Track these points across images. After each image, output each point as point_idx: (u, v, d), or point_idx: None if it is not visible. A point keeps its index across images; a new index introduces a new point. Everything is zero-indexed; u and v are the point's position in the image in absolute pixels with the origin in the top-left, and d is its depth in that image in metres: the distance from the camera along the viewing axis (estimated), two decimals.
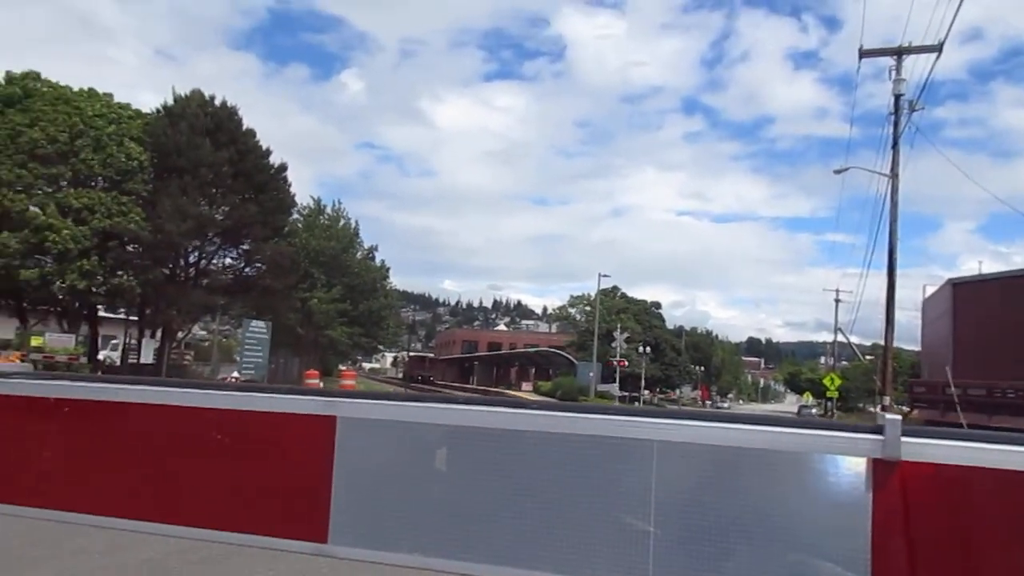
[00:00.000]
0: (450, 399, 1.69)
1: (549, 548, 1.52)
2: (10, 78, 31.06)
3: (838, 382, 50.39)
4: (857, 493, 1.38)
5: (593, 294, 76.78)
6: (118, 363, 37.70)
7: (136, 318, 37.22)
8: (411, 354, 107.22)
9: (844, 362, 73.10)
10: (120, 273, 31.04)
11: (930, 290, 40.85)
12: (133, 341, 38.19)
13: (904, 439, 1.36)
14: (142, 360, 35.89)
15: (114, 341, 41.34)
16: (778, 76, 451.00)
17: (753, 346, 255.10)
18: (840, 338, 64.04)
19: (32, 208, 28.61)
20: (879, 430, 1.37)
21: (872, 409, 55.75)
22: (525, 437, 1.57)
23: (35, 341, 29.56)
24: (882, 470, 1.37)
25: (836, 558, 1.36)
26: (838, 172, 31.74)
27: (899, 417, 1.35)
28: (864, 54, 27.85)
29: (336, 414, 1.67)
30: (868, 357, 60.77)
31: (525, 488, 1.55)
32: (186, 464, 1.78)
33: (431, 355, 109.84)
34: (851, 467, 1.39)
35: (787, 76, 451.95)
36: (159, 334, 36.70)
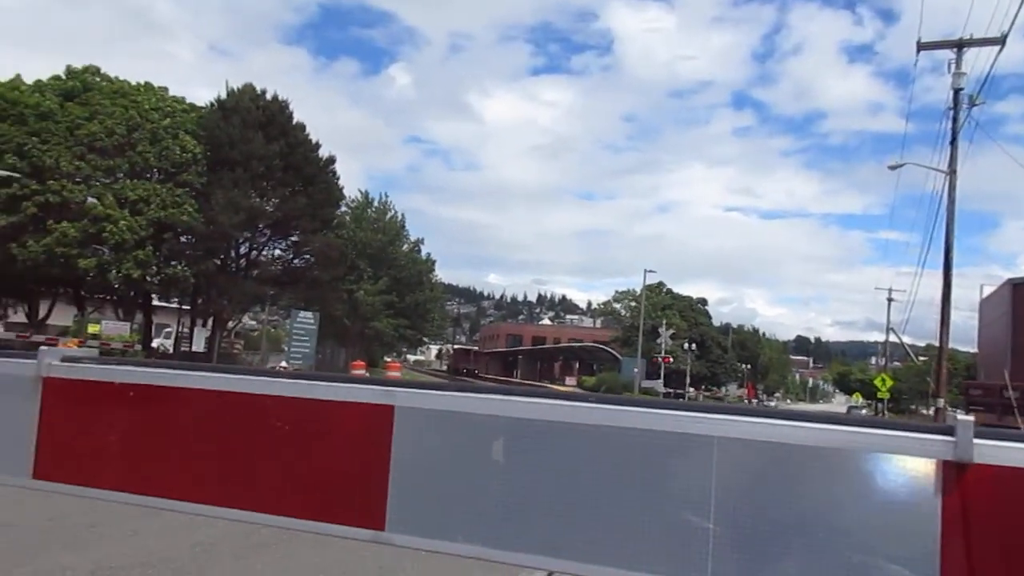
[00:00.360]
0: (508, 391, 1.69)
1: (605, 541, 1.51)
2: (70, 72, 31.94)
3: (890, 383, 49.29)
4: (926, 496, 1.34)
5: (638, 290, 76.26)
6: (171, 351, 38.59)
7: (188, 307, 38.04)
8: (456, 347, 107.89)
9: (896, 363, 71.49)
10: (174, 263, 31.76)
11: (988, 290, 39.72)
12: (185, 330, 39.07)
13: (976, 441, 1.32)
14: (194, 348, 36.69)
15: (167, 329, 42.32)
16: (831, 70, 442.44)
17: (801, 345, 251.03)
18: (892, 338, 62.67)
19: (90, 199, 29.41)
20: (950, 431, 1.33)
21: (925, 411, 54.47)
22: (582, 430, 1.56)
23: (92, 328, 30.43)
24: (952, 473, 1.33)
25: (903, 561, 1.32)
26: (893, 168, 31.05)
27: (972, 418, 1.31)
28: (922, 47, 27.14)
29: (394, 404, 1.68)
30: (921, 358, 59.37)
31: (582, 481, 1.54)
32: (246, 450, 1.81)
33: (476, 348, 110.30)
34: (920, 469, 1.35)
35: (841, 70, 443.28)
36: (210, 323, 37.46)
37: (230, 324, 40.68)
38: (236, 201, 31.59)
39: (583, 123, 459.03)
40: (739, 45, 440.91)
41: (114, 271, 29.66)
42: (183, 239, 32.56)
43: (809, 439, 1.38)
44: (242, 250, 36.58)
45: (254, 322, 53.96)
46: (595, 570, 1.48)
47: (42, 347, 2.02)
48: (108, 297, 35.99)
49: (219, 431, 1.82)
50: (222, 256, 35.29)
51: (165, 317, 41.92)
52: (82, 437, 1.99)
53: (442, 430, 1.61)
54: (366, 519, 1.63)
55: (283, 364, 36.60)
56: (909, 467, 1.35)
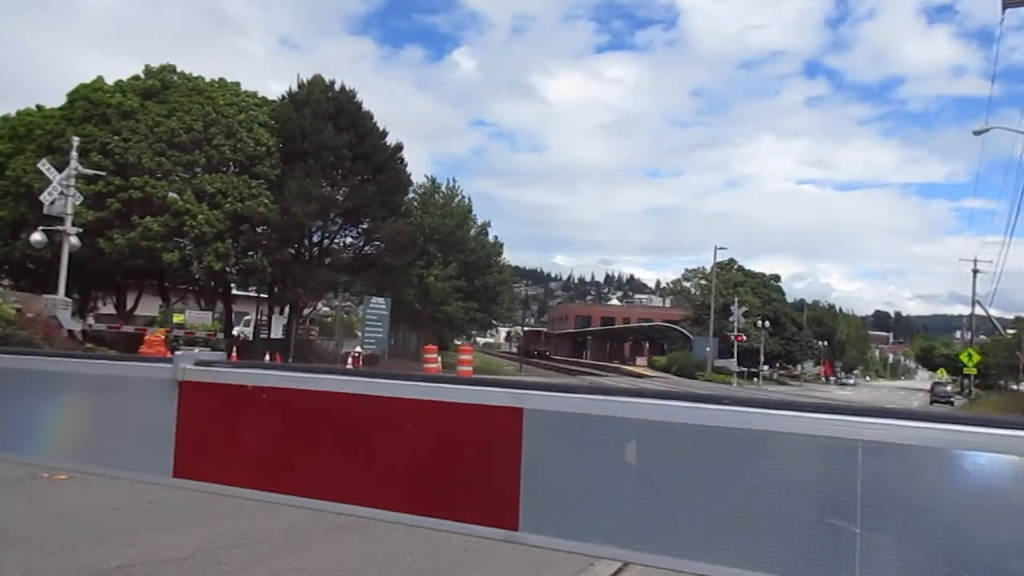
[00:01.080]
0: (636, 392, 1.70)
1: (747, 548, 1.51)
2: (149, 72, 33.03)
3: (977, 358, 47.57)
4: None
5: (708, 267, 75.14)
6: (251, 338, 39.78)
7: (266, 296, 39.11)
8: (526, 329, 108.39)
9: (983, 337, 68.77)
10: (251, 254, 32.66)
11: None
12: (263, 317, 40.23)
13: None
14: (272, 336, 37.73)
15: (247, 317, 43.62)
16: (909, 32, 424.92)
17: (881, 320, 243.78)
18: (978, 311, 60.32)
19: (171, 194, 30.44)
20: None
21: (1015, 387, 52.38)
22: (715, 433, 1.56)
23: (177, 318, 31.56)
24: None
25: None
26: (978, 133, 29.85)
27: None
28: (1008, 4, 25.91)
29: (523, 406, 1.71)
30: (1010, 331, 57.00)
31: (719, 484, 1.54)
32: (379, 452, 1.86)
33: (545, 329, 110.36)
34: None
35: (919, 32, 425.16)
36: (287, 311, 38.45)
37: (305, 311, 41.68)
38: (308, 191, 32.25)
39: (649, 99, 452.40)
40: (811, 11, 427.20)
41: (196, 263, 30.68)
42: (259, 230, 33.43)
43: (951, 442, 1.35)
44: (315, 239, 37.37)
45: (328, 308, 55.21)
46: (733, 572, 1.49)
47: (177, 352, 2.12)
48: (190, 288, 37.27)
49: (350, 433, 1.88)
50: (296, 245, 36.12)
51: (244, 306, 43.19)
52: (216, 438, 2.08)
53: (573, 432, 1.63)
54: (500, 519, 1.67)
55: (357, 349, 37.37)
56: None
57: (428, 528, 1.84)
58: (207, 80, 33.74)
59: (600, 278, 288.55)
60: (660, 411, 1.59)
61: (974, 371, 50.78)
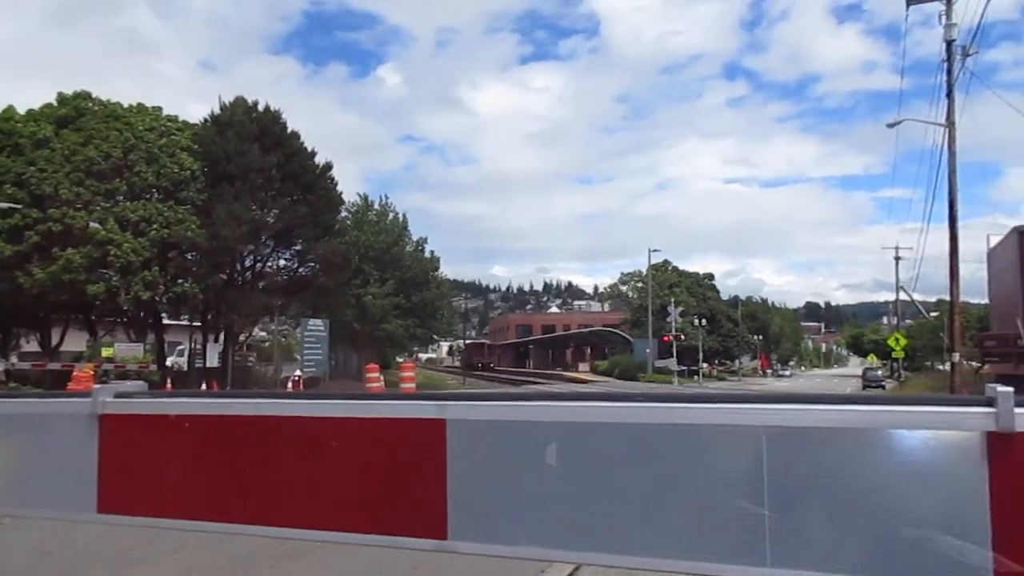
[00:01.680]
0: (554, 396, 1.74)
1: (664, 537, 1.57)
2: (62, 99, 32.04)
3: (903, 342, 49.27)
4: (973, 467, 1.39)
5: (644, 270, 76.27)
6: (185, 368, 38.77)
7: (199, 323, 38.19)
8: (468, 342, 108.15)
9: (908, 321, 71.35)
10: (181, 281, 31.89)
11: (995, 240, 39.59)
12: (198, 346, 39.24)
13: (1017, 410, 1.37)
14: (208, 364, 36.86)
15: (180, 347, 42.51)
16: (821, 31, 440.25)
17: (812, 311, 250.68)
18: (903, 296, 62.60)
19: (92, 224, 29.52)
20: (990, 402, 1.38)
21: (941, 367, 54.44)
22: (632, 429, 1.61)
23: (106, 352, 30.57)
24: (997, 443, 1.38)
25: (956, 532, 1.38)
26: (891, 126, 30.97)
27: (1011, 389, 1.36)
28: (912, 1, 27.05)
29: (446, 417, 1.74)
30: (933, 314, 59.26)
31: (635, 479, 1.60)
32: (304, 472, 1.87)
33: (488, 341, 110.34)
34: (964, 442, 1.40)
35: (831, 30, 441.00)
36: (222, 338, 37.62)
37: (241, 337, 40.83)
38: (237, 214, 31.68)
39: (576, 107, 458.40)
40: (726, 14, 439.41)
41: (123, 294, 29.80)
42: (188, 256, 32.67)
43: (855, 421, 1.43)
44: (247, 263, 36.68)
45: (265, 333, 54.12)
46: (655, 563, 1.54)
47: (96, 386, 2.08)
48: (119, 320, 36.15)
49: (277, 456, 1.88)
50: (228, 270, 35.39)
51: (176, 335, 42.08)
52: (141, 470, 2.05)
53: (496, 439, 1.67)
54: (429, 530, 1.69)
55: (297, 373, 36.75)
56: (954, 441, 1.40)
57: (357, 545, 1.85)
58: (125, 106, 32.89)
59: (539, 287, 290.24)
60: (577, 412, 1.63)
61: (902, 355, 52.58)
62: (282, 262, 38.51)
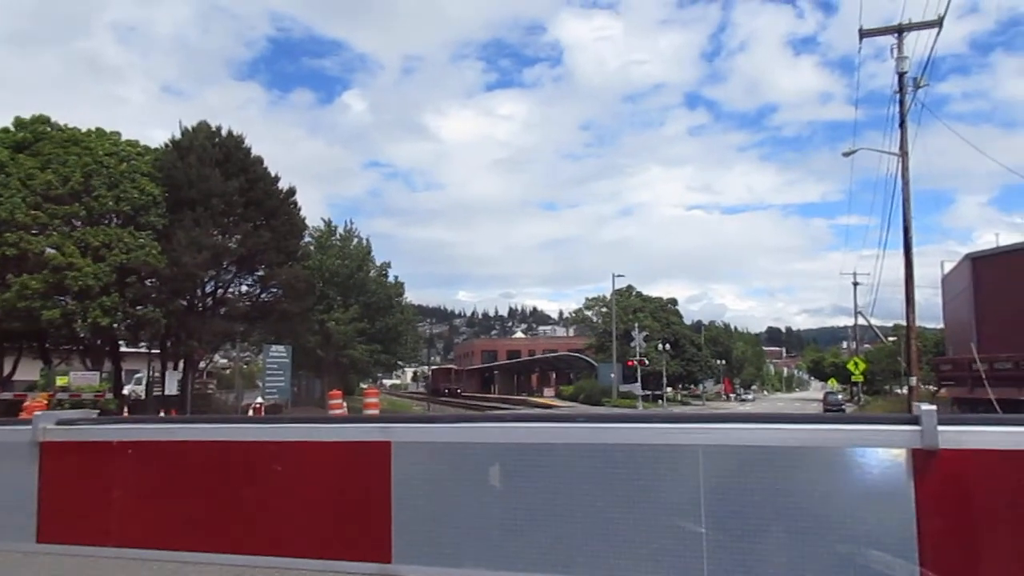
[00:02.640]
0: (499, 417, 1.76)
1: (604, 554, 1.58)
2: (19, 123, 31.48)
3: (863, 366, 50.08)
4: (900, 483, 1.44)
5: (608, 295, 76.69)
6: (143, 396, 38.00)
7: (158, 351, 37.50)
8: (433, 367, 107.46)
9: (867, 345, 72.54)
10: (140, 307, 31.32)
11: (948, 266, 40.52)
12: (156, 374, 38.49)
13: (941, 428, 1.41)
14: (167, 392, 36.16)
15: (138, 375, 41.68)
16: (779, 63, 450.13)
17: (773, 336, 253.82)
18: (861, 321, 63.68)
19: (49, 249, 28.93)
20: (915, 420, 1.43)
21: (899, 391, 55.35)
22: (573, 449, 1.63)
23: (61, 381, 29.81)
24: (922, 459, 1.42)
25: (884, 546, 1.41)
26: (847, 155, 31.68)
27: (934, 407, 1.40)
28: (864, 34, 27.80)
29: (391, 439, 1.74)
30: (891, 338, 60.32)
31: (577, 497, 1.61)
32: (250, 496, 1.86)
33: (455, 367, 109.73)
34: (892, 458, 1.44)
35: (788, 62, 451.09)
36: (181, 365, 36.97)
37: (202, 364, 40.17)
38: (199, 240, 31.28)
39: (541, 134, 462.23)
40: (687, 45, 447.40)
41: (80, 320, 29.15)
42: (148, 282, 32.12)
43: (788, 440, 1.47)
44: (208, 289, 36.17)
45: (226, 360, 53.35)
46: None
47: (37, 413, 2.05)
48: (75, 347, 35.35)
49: (219, 480, 1.86)
50: (188, 296, 34.85)
51: (135, 362, 41.26)
52: (83, 498, 2.02)
53: (439, 460, 1.67)
54: (373, 554, 1.69)
55: (258, 400, 36.20)
56: (882, 457, 1.44)
57: (302, 570, 1.83)
58: (84, 130, 32.42)
59: (504, 312, 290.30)
60: (520, 433, 1.65)
61: (861, 378, 53.41)
62: (244, 288, 38.06)
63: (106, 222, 31.10)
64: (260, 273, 36.75)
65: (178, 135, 34.55)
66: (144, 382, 40.53)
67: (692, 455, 1.52)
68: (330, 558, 1.76)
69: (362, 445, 1.74)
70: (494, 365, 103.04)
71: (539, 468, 1.62)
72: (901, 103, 26.75)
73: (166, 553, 1.89)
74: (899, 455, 1.44)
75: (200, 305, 35.75)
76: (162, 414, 28.38)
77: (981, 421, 1.43)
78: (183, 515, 1.90)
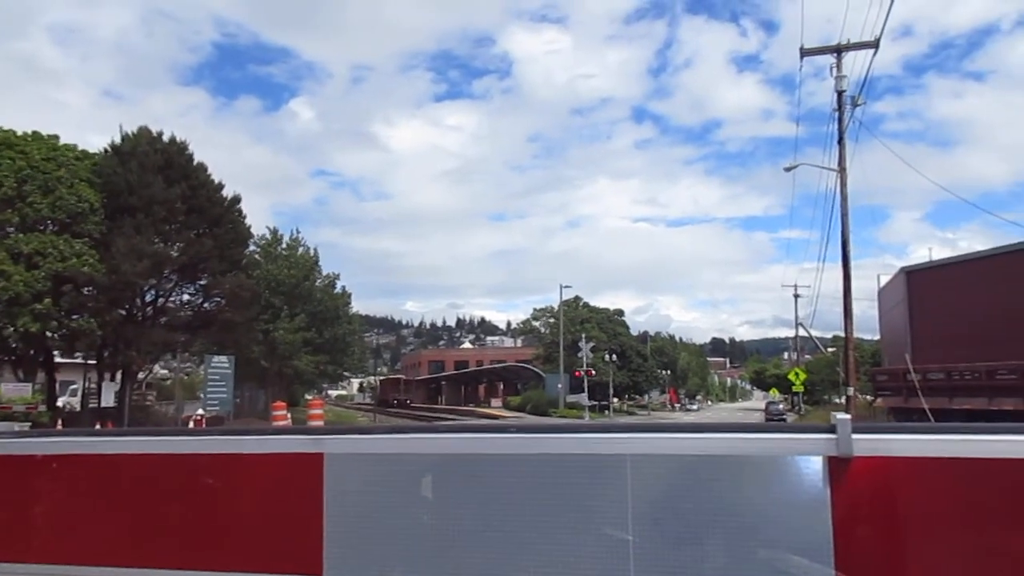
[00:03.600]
0: (431, 428, 1.77)
1: (535, 565, 1.60)
2: None
3: (803, 376, 51.21)
4: (817, 490, 1.49)
5: (556, 306, 77.06)
6: (78, 409, 36.88)
7: (94, 362, 36.46)
8: (382, 378, 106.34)
9: (807, 356, 74.25)
10: (75, 317, 30.43)
11: (884, 279, 41.79)
12: (93, 385, 37.40)
13: (855, 436, 1.47)
14: (103, 404, 35.17)
15: (73, 387, 40.44)
16: (722, 80, 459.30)
17: (717, 346, 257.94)
18: (801, 332, 65.13)
19: None
20: (832, 429, 1.48)
21: (838, 400, 56.70)
22: (505, 460, 1.65)
23: None
24: (838, 467, 1.48)
25: (802, 552, 1.46)
26: (788, 169, 32.45)
27: (848, 416, 1.46)
28: (805, 53, 28.58)
29: (323, 451, 1.74)
30: (830, 349, 61.85)
31: (508, 508, 1.63)
32: (178, 511, 1.83)
33: (404, 377, 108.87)
34: (810, 466, 1.49)
35: (731, 79, 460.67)
36: (119, 376, 36.01)
37: (141, 375, 39.17)
38: (139, 248, 30.55)
39: (489, 146, 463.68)
40: (634, 61, 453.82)
41: (11, 328, 28.19)
42: (85, 291, 31.23)
43: (711, 449, 1.51)
44: (148, 298, 35.35)
45: (166, 371, 52.14)
46: None
47: None
48: (6, 358, 34.16)
49: (146, 494, 1.83)
50: (128, 305, 34.00)
51: (70, 374, 40.02)
52: (6, 514, 1.96)
53: (372, 472, 1.67)
54: (304, 567, 1.67)
55: (199, 412, 35.42)
56: (801, 465, 1.49)
57: None
58: (19, 134, 31.46)
59: (452, 322, 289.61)
60: (452, 444, 1.66)
61: (802, 389, 54.59)
62: (186, 297, 37.30)
63: (41, 229, 30.18)
64: (203, 282, 36.06)
65: (119, 140, 33.77)
66: (80, 394, 39.34)
67: (620, 464, 1.55)
68: (261, 572, 1.74)
69: (294, 457, 1.73)
70: (441, 376, 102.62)
71: (471, 479, 1.63)
72: (840, 120, 27.57)
73: (89, 570, 1.84)
74: (817, 462, 1.49)
75: (139, 314, 34.90)
76: (98, 427, 27.57)
77: (893, 429, 1.49)
78: (109, 531, 1.85)
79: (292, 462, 1.73)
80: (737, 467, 1.54)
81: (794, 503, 1.50)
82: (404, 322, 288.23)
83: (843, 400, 34.20)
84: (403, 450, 1.69)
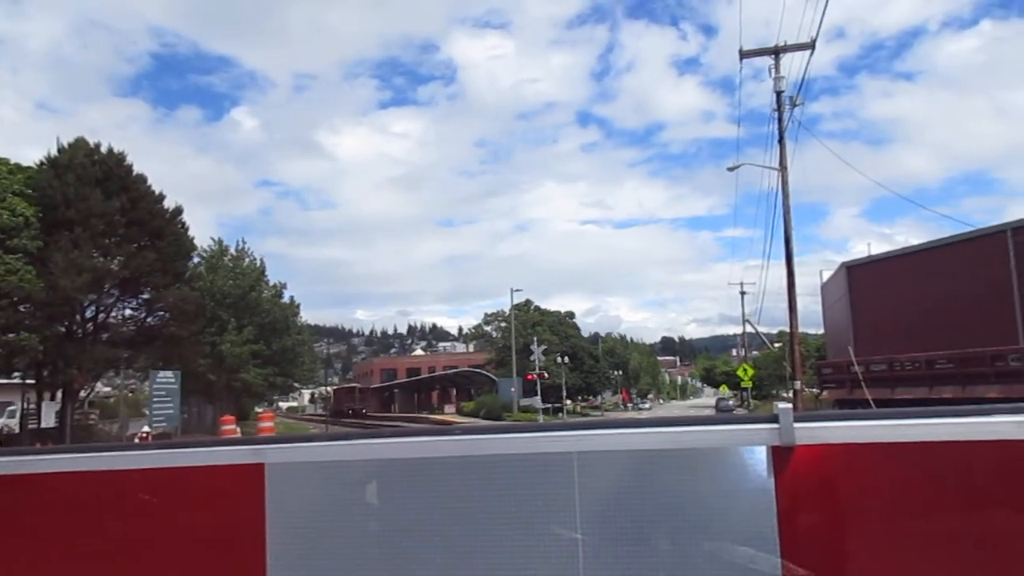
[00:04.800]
0: (373, 433, 1.73)
1: (485, 568, 1.58)
2: None
3: (751, 372, 52.07)
4: (761, 479, 1.50)
5: (507, 310, 77.14)
6: (17, 431, 35.68)
7: (33, 381, 35.34)
8: (336, 387, 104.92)
9: (755, 352, 75.60)
10: (12, 335, 29.45)
11: (826, 275, 42.71)
12: (32, 405, 36.23)
13: (797, 424, 1.48)
14: (43, 424, 34.09)
15: (11, 407, 39.14)
16: (664, 83, 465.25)
17: (668, 345, 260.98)
18: (748, 329, 66.27)
19: None
20: (774, 419, 1.49)
21: (786, 395, 57.82)
22: (449, 463, 1.63)
23: None
24: (780, 456, 1.49)
25: (748, 542, 1.47)
26: (731, 169, 32.98)
27: (790, 405, 1.47)
28: (744, 55, 29.10)
29: (264, 461, 1.69)
30: (777, 344, 63.06)
31: (454, 512, 1.61)
32: (113, 530, 1.76)
33: (359, 385, 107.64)
34: (754, 456, 1.50)
35: (672, 82, 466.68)
36: (60, 395, 34.96)
37: (83, 394, 38.09)
38: (78, 263, 29.71)
39: (436, 152, 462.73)
40: (577, 65, 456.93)
41: None
42: (22, 308, 30.26)
43: (658, 443, 1.51)
44: (89, 313, 34.41)
45: (110, 388, 50.80)
46: None
47: None
48: None
49: (79, 514, 1.76)
50: (67, 322, 33.05)
51: (7, 394, 38.73)
52: None
53: (315, 481, 1.63)
54: None
55: (145, 430, 34.57)
56: (745, 456, 1.50)
57: None
58: None
59: (403, 329, 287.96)
60: (397, 449, 1.63)
61: (750, 384, 55.49)
62: (128, 312, 36.41)
63: None
64: (145, 296, 35.26)
65: (54, 152, 32.82)
66: (17, 414, 38.05)
67: (567, 462, 1.54)
68: None
69: (234, 468, 1.68)
70: (394, 384, 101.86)
71: (416, 483, 1.61)
72: (780, 120, 28.12)
73: None
74: (760, 452, 1.50)
75: (80, 331, 33.94)
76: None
77: (834, 417, 1.51)
78: (36, 555, 1.78)
79: (232, 474, 1.68)
80: (682, 460, 1.54)
81: (739, 494, 1.50)
82: (355, 331, 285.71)
83: (790, 394, 34.88)
84: (347, 456, 1.65)
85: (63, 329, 32.52)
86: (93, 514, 1.77)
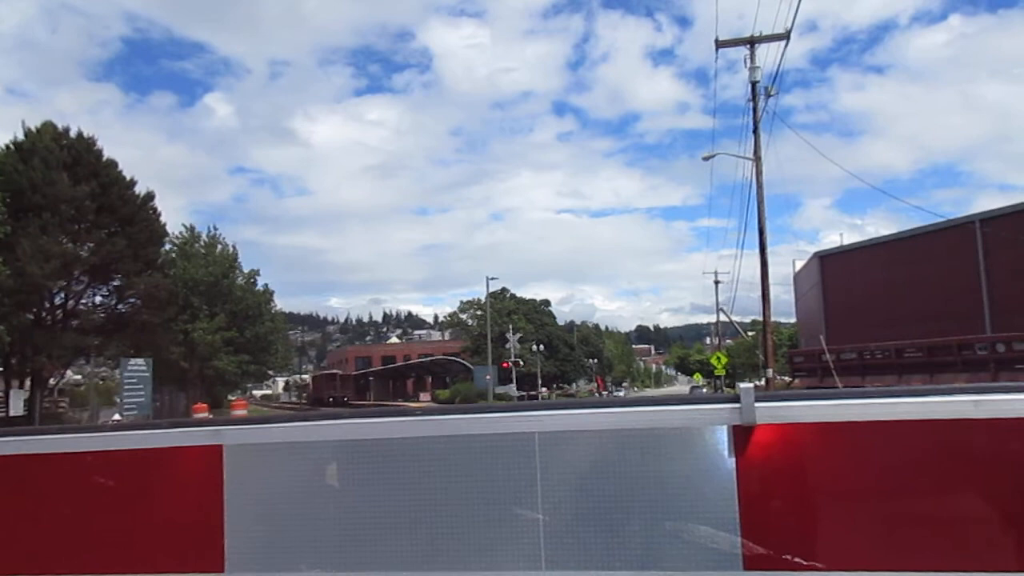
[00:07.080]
0: (335, 414, 1.71)
1: (447, 549, 1.57)
2: None
3: (724, 360, 52.44)
4: (723, 459, 1.50)
5: (483, 298, 77.11)
6: None
7: (1, 369, 34.82)
8: (315, 374, 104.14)
9: (728, 340, 76.26)
10: None
11: (799, 264, 43.15)
12: (0, 393, 35.71)
13: (758, 404, 1.48)
14: (11, 413, 33.62)
15: None
16: (639, 74, 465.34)
17: (642, 334, 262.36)
18: (722, 318, 66.76)
19: None
20: (735, 399, 1.49)
21: (758, 383, 58.43)
22: (410, 443, 1.61)
23: None
24: (741, 435, 1.49)
25: (709, 521, 1.47)
26: (706, 159, 33.07)
27: (751, 385, 1.48)
28: (720, 45, 29.12)
29: (222, 443, 1.67)
30: (750, 333, 63.62)
31: (417, 493, 1.59)
32: (69, 512, 1.73)
33: (340, 372, 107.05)
34: (715, 436, 1.51)
35: (647, 73, 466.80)
36: (28, 383, 34.48)
37: (52, 381, 37.58)
38: (46, 249, 29.25)
39: (412, 140, 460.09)
40: (553, 55, 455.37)
41: None
42: None
43: (618, 423, 1.50)
44: (58, 300, 33.93)
45: (80, 376, 50.19)
46: None
47: None
48: None
49: (36, 496, 1.72)
50: (36, 309, 32.56)
51: None
52: None
53: (275, 462, 1.61)
54: (204, 564, 1.60)
55: (116, 417, 34.22)
56: (707, 436, 1.50)
57: None
58: None
59: (378, 317, 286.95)
60: (357, 430, 1.61)
61: (723, 372, 55.93)
62: (99, 299, 35.96)
63: None
64: (116, 283, 34.83)
65: (20, 136, 32.23)
66: None
67: (529, 442, 1.53)
68: (159, 572, 1.65)
69: (192, 450, 1.65)
70: (369, 371, 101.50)
71: (378, 465, 1.59)
72: (754, 110, 28.23)
73: None
74: (722, 432, 1.50)
75: (49, 318, 33.47)
76: None
77: (795, 396, 1.51)
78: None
79: (189, 456, 1.65)
80: (643, 440, 1.54)
81: (700, 473, 1.50)
82: (329, 319, 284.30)
83: (763, 382, 35.21)
84: (306, 438, 1.63)
85: (31, 316, 32.06)
86: (51, 497, 1.74)
